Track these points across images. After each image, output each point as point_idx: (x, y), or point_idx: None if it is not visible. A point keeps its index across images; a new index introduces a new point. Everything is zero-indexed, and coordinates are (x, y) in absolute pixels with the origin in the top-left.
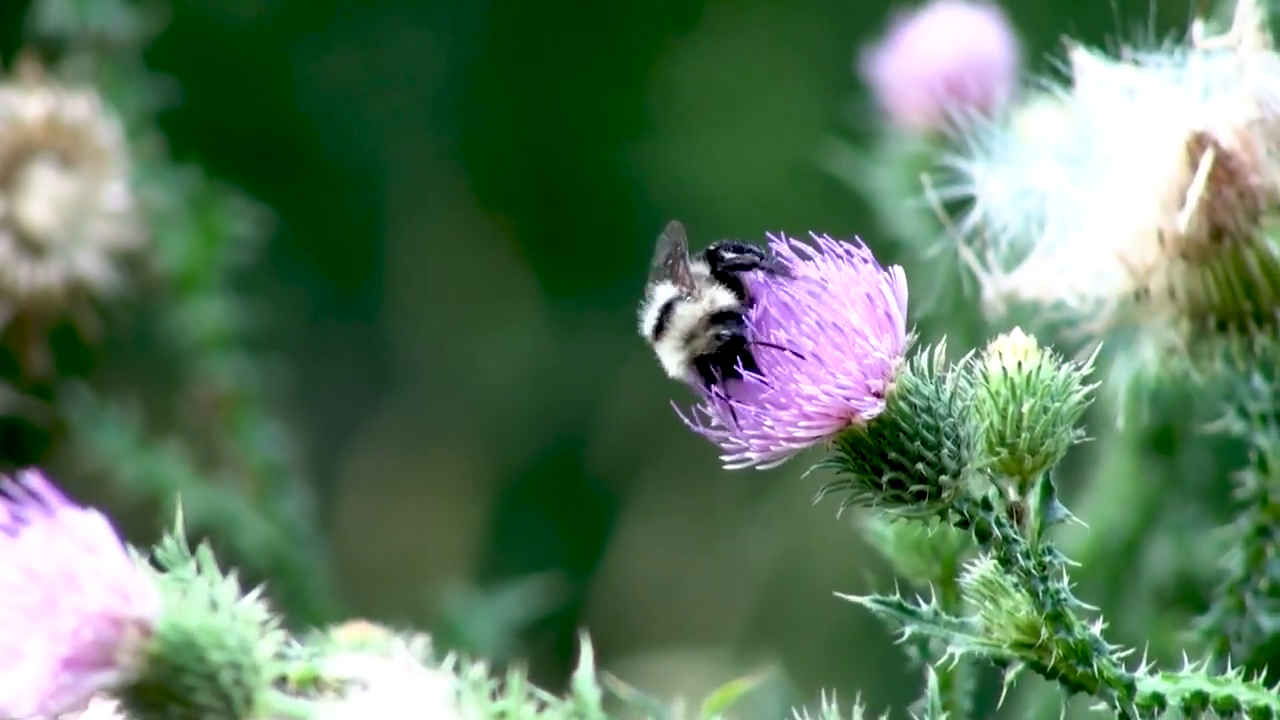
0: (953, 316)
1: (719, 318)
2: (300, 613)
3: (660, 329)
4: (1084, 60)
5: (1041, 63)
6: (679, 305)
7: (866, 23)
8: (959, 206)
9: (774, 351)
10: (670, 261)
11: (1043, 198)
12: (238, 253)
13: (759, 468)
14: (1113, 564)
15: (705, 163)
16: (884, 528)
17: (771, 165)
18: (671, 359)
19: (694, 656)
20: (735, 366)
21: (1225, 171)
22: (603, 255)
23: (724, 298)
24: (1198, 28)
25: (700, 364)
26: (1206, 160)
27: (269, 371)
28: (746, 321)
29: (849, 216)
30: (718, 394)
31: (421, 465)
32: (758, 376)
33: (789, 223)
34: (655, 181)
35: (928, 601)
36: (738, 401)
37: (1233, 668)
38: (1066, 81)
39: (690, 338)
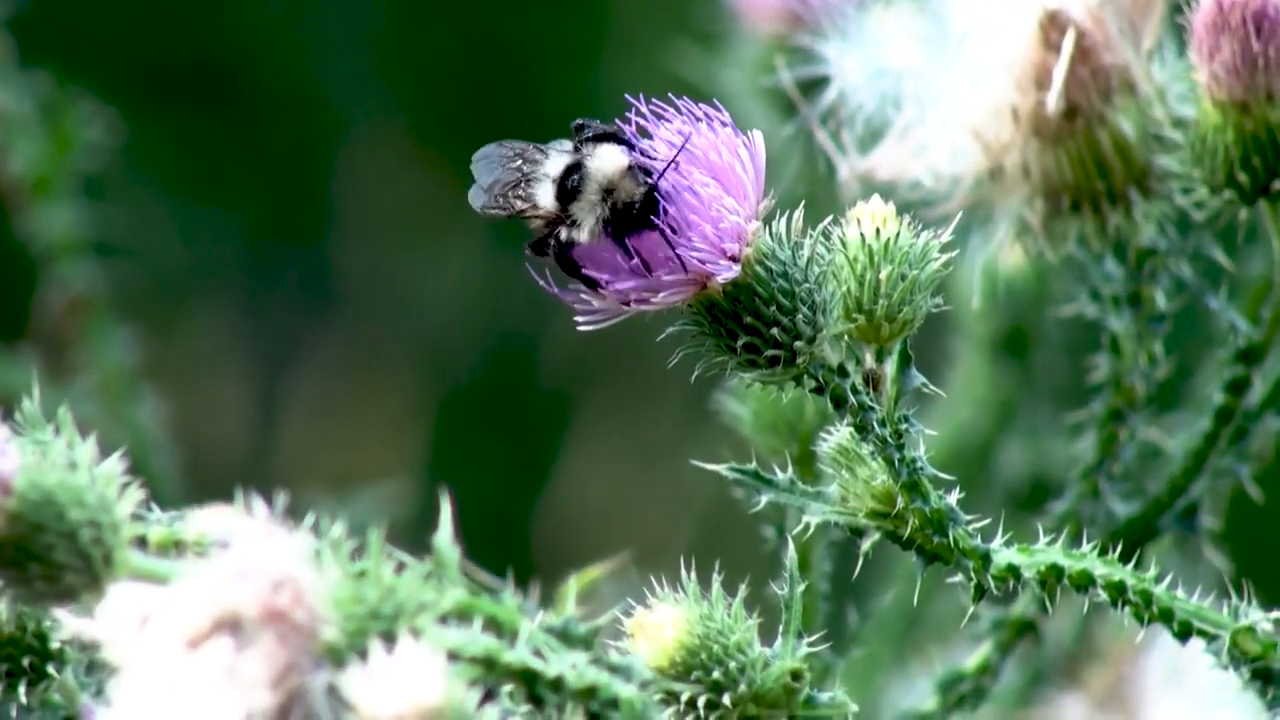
0: (807, 200)
1: (632, 168)
2: None
3: (573, 192)
4: None
5: None
6: (589, 162)
7: None
8: (813, 88)
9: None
10: (523, 151)
11: (899, 77)
12: (90, 159)
13: (603, 325)
14: (966, 466)
15: (643, 85)
16: (741, 408)
17: (717, 86)
18: (589, 218)
19: (637, 575)
20: (650, 216)
21: (1079, 50)
22: None
23: (621, 152)
24: None
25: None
26: (1070, 38)
27: (208, 289)
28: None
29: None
30: (626, 250)
31: (365, 387)
32: (669, 223)
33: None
34: (597, 105)
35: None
36: (594, 268)
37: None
38: None
39: (610, 190)
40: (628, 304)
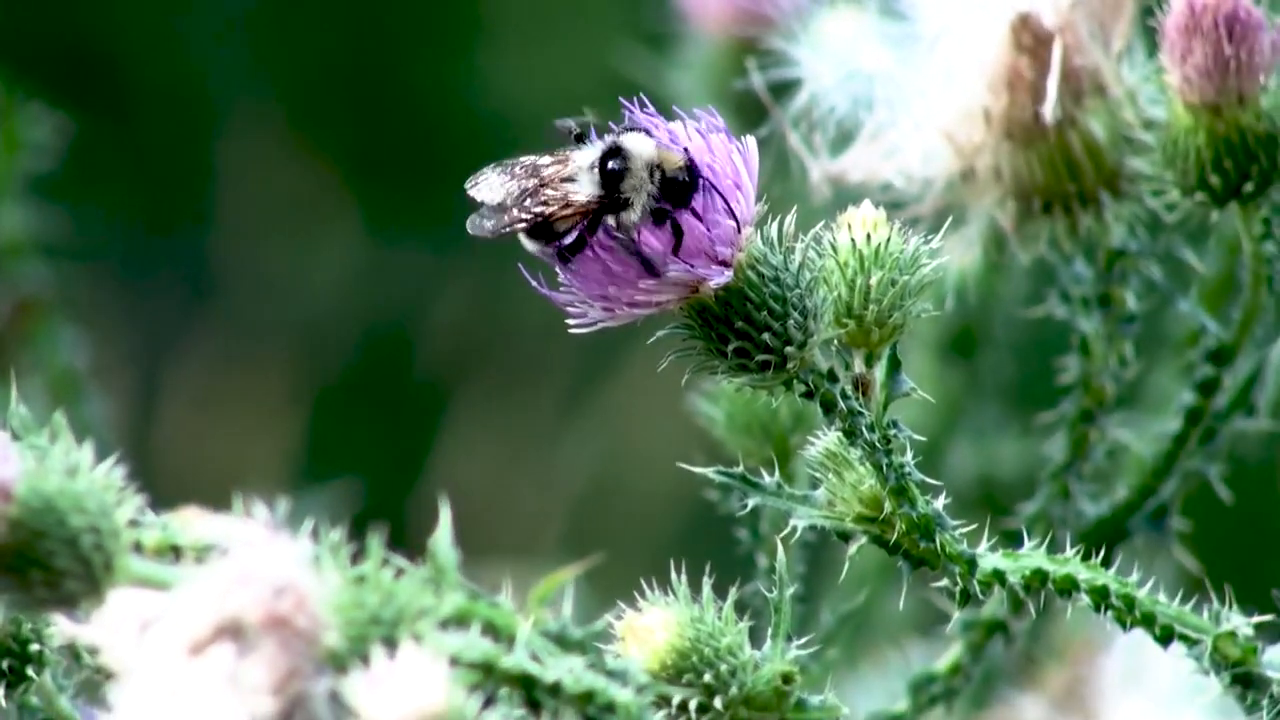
0: (777, 203)
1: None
2: None
3: (619, 174)
4: None
5: None
6: (626, 140)
7: None
8: (780, 91)
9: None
10: (532, 163)
11: (870, 80)
12: (37, 160)
13: (593, 328)
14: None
15: (518, 75)
16: (714, 409)
17: (588, 75)
18: (640, 195)
19: (512, 566)
20: (688, 189)
21: (1049, 52)
22: (419, 169)
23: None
24: None
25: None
26: (1058, 50)
27: (86, 282)
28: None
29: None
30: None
31: (242, 377)
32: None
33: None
34: (469, 95)
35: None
36: (580, 271)
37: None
38: None
39: (655, 164)
40: (613, 309)
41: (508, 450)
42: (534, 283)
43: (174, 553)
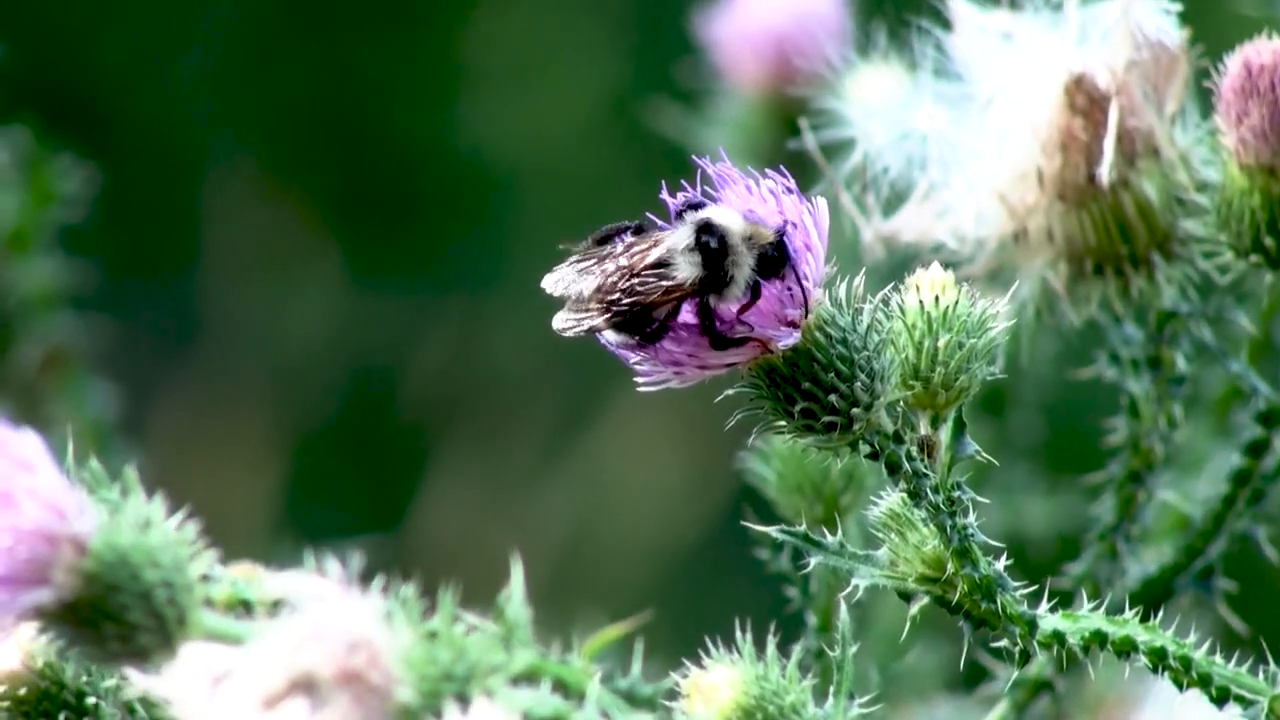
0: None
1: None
2: None
3: (719, 251)
4: (960, 6)
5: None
6: (716, 217)
7: None
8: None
9: None
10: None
11: (924, 140)
12: (67, 211)
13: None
14: None
15: (498, 121)
16: (765, 469)
17: (568, 119)
18: (743, 269)
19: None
20: (788, 252)
21: (1103, 114)
22: (402, 215)
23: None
24: None
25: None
26: (1114, 111)
27: (77, 328)
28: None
29: (652, 171)
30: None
31: (224, 422)
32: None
33: (591, 181)
34: (449, 140)
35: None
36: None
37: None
38: (946, 26)
39: (749, 237)
40: (682, 370)
41: (488, 497)
42: (604, 342)
43: (244, 608)
